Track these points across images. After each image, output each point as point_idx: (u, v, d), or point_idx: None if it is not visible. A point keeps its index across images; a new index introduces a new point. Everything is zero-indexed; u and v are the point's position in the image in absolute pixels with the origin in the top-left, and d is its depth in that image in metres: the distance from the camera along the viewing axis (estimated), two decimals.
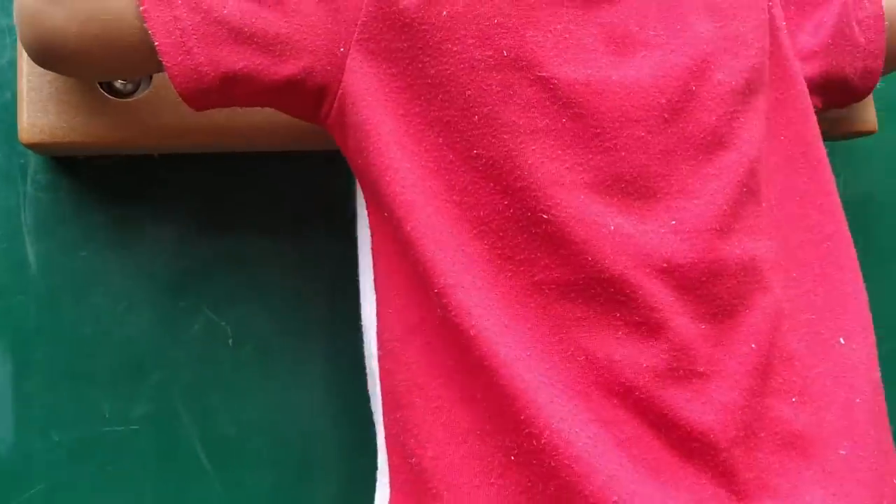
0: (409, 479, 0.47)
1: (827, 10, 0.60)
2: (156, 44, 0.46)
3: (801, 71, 0.57)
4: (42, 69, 0.52)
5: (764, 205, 0.51)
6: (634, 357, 0.44)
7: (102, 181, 0.62)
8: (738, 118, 0.51)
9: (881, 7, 0.60)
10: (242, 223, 0.64)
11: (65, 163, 0.61)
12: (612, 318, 0.45)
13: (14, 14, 0.50)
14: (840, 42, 0.59)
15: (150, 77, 0.57)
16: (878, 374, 0.51)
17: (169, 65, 0.47)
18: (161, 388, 0.61)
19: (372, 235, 0.51)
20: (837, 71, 0.60)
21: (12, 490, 0.59)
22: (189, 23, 0.46)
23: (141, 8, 0.46)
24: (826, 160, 0.56)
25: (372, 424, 0.51)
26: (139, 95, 0.57)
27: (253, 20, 0.47)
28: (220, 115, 0.53)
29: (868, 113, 0.70)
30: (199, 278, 0.63)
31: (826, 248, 0.52)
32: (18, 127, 0.55)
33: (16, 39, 0.60)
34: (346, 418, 0.63)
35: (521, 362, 0.43)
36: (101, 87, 0.56)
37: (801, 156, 0.54)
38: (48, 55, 0.51)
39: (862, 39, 0.60)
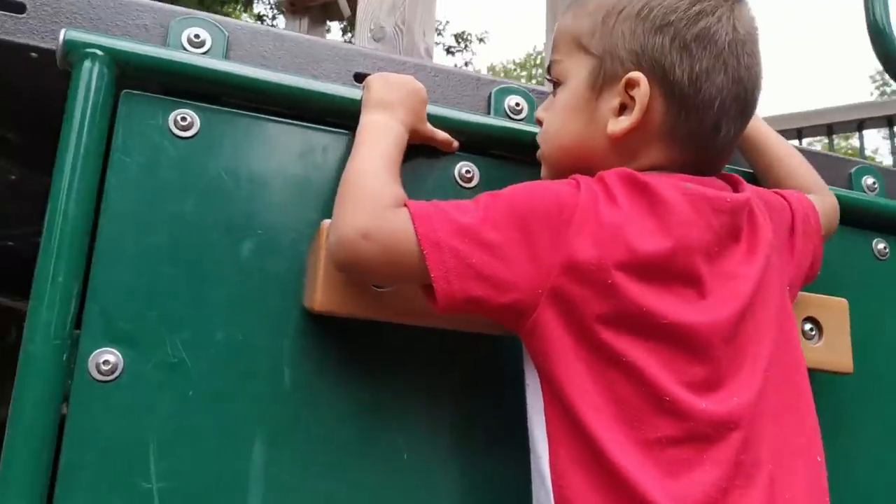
0: None
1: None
2: (431, 275, 0.76)
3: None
4: None
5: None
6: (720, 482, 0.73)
7: (343, 335, 0.91)
8: (763, 335, 0.83)
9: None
10: (427, 380, 0.93)
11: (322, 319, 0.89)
12: (707, 456, 0.74)
13: (332, 237, 0.81)
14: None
15: None
16: None
17: (437, 289, 0.76)
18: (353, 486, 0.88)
19: (544, 401, 0.79)
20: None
21: None
22: (452, 265, 0.76)
23: (424, 252, 0.76)
24: None
25: None
26: (387, 288, 0.86)
27: (490, 268, 0.77)
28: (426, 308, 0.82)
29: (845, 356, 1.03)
30: (392, 408, 0.91)
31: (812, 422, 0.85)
32: (315, 297, 0.84)
33: (298, 227, 0.90)
34: None
35: (652, 484, 0.71)
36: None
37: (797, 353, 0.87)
38: (351, 270, 0.82)
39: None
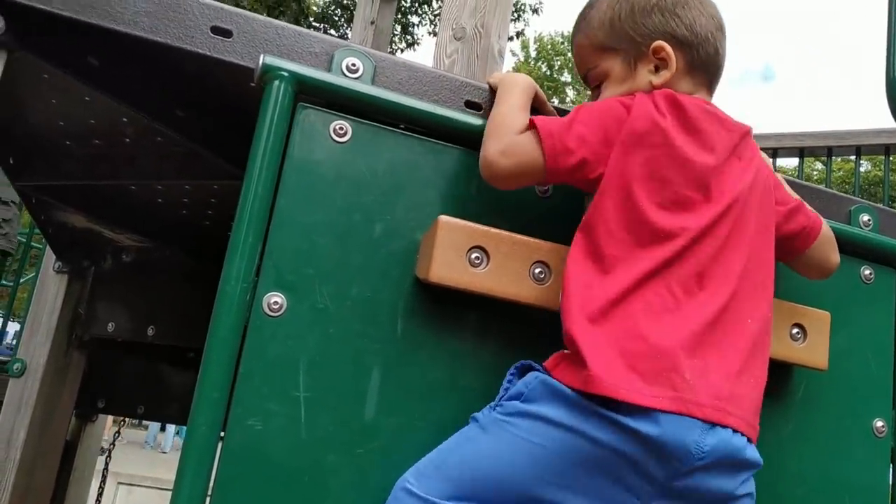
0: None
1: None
2: (544, 153, 1.12)
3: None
4: (452, 244, 1.13)
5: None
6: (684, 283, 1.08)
7: (442, 300, 1.21)
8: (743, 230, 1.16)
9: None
10: (501, 342, 1.24)
11: (429, 287, 1.20)
12: (680, 266, 1.08)
13: (482, 158, 1.16)
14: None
15: (489, 258, 1.17)
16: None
17: (547, 163, 1.12)
18: (438, 413, 1.20)
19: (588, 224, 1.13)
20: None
21: None
22: (559, 149, 1.12)
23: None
24: None
25: None
26: (483, 270, 1.17)
27: (582, 161, 1.11)
28: (511, 286, 1.13)
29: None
30: (472, 358, 1.22)
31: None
32: (429, 270, 1.14)
33: (417, 217, 1.21)
34: None
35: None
36: (467, 264, 1.16)
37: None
38: (493, 179, 1.16)
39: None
